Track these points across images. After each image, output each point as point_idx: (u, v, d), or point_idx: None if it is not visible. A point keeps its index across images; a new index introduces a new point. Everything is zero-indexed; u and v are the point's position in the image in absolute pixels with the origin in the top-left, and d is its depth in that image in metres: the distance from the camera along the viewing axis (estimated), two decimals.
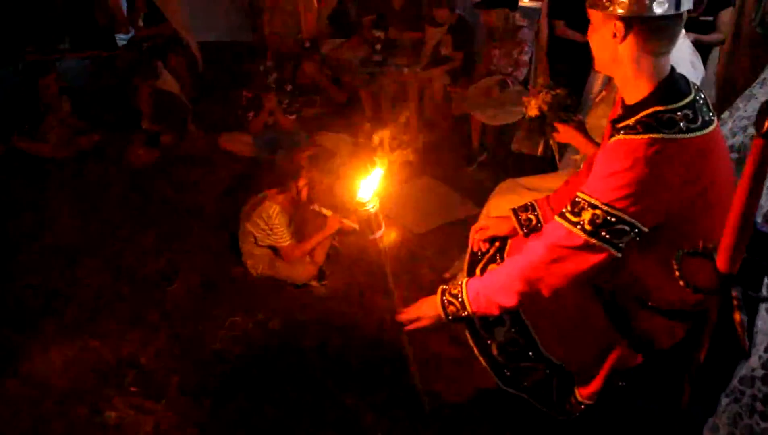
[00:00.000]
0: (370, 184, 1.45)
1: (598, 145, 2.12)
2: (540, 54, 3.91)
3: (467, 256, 2.16)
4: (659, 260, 1.47)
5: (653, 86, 1.40)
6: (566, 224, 1.43)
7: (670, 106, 1.35)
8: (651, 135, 1.32)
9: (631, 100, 1.45)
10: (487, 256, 2.03)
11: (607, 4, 1.35)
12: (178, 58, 4.62)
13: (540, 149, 2.58)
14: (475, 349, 1.74)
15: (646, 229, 1.37)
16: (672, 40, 1.38)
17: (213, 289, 2.80)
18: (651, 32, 1.34)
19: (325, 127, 4.50)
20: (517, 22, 3.84)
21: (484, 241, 2.03)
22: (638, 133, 1.35)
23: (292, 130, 4.29)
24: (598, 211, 1.37)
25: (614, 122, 1.52)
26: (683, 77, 1.45)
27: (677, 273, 1.24)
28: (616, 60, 1.42)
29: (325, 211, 2.80)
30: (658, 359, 1.64)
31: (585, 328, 1.66)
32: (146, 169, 3.96)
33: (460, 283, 1.63)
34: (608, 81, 2.25)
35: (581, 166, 2.36)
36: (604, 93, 2.19)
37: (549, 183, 2.50)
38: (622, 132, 1.39)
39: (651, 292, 1.56)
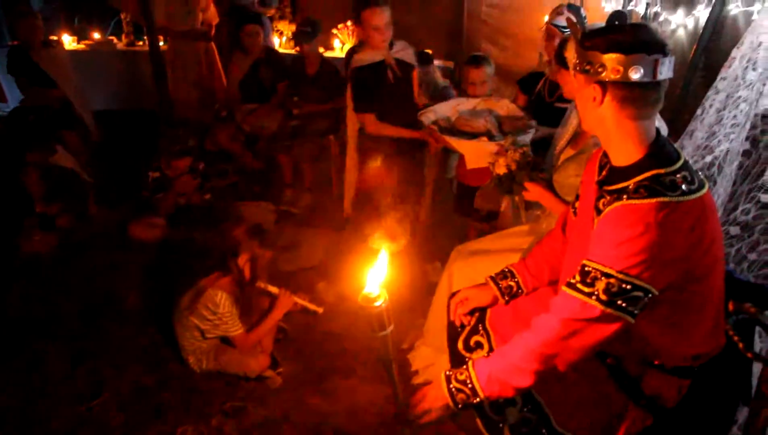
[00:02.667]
0: (377, 275, 1.31)
1: (567, 202, 2.15)
2: None
3: (446, 330, 2.07)
4: (663, 320, 1.47)
5: (645, 149, 1.42)
6: (580, 296, 1.39)
7: (669, 169, 1.37)
8: (658, 199, 1.33)
9: (620, 163, 1.47)
10: (468, 328, 1.95)
11: (588, 67, 1.37)
12: (70, 132, 4.19)
13: (503, 206, 2.58)
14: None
15: (657, 293, 1.36)
16: (653, 105, 1.40)
17: (149, 396, 2.42)
18: (627, 97, 1.36)
19: (242, 196, 4.28)
20: (438, 81, 3.94)
21: (466, 314, 1.94)
22: (644, 197, 1.35)
23: (206, 205, 4.03)
24: (612, 280, 1.34)
25: (603, 184, 1.53)
26: (667, 139, 1.50)
27: (736, 338, 1.38)
28: (599, 122, 1.44)
29: (272, 289, 2.57)
30: (666, 419, 1.63)
31: (595, 397, 1.60)
32: (44, 258, 3.46)
33: (465, 367, 1.52)
34: (572, 139, 2.31)
35: (543, 223, 2.38)
36: (570, 151, 2.23)
37: (505, 243, 2.49)
38: (625, 197, 1.38)
39: (656, 352, 1.54)
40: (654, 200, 1.33)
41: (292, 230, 3.88)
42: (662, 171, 1.37)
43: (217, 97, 4.82)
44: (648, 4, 4.02)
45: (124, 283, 3.21)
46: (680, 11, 3.38)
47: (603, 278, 1.35)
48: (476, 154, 2.68)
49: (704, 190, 1.38)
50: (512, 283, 1.90)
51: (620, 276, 1.33)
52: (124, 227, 3.73)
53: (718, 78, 2.33)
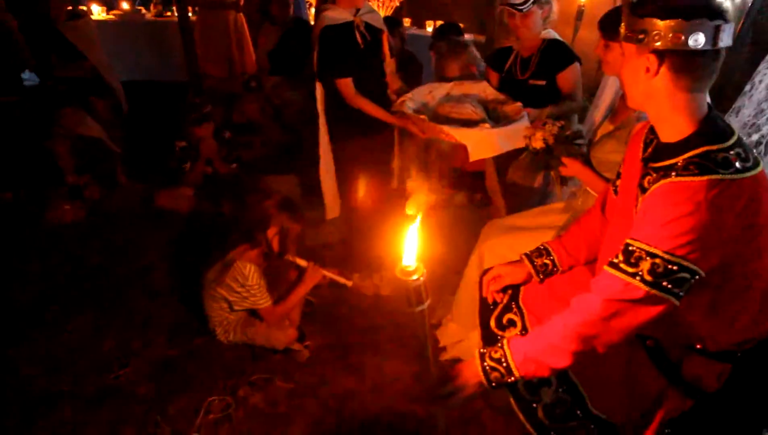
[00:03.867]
0: (413, 245, 1.26)
1: (606, 179, 2.07)
2: None
3: (478, 307, 2.03)
4: (706, 304, 1.40)
5: (696, 124, 1.34)
6: (622, 276, 1.33)
7: (723, 145, 1.29)
8: (710, 176, 1.25)
9: (669, 139, 1.39)
10: (501, 305, 1.91)
11: (641, 36, 1.28)
12: (101, 101, 4.21)
13: (538, 181, 2.50)
14: (520, 414, 1.59)
15: (704, 275, 1.30)
16: (710, 76, 1.32)
17: (176, 367, 2.43)
18: (685, 67, 1.28)
19: (269, 170, 4.26)
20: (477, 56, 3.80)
21: (498, 291, 1.90)
22: (694, 174, 1.27)
23: (233, 177, 4.02)
24: (658, 260, 1.28)
25: (648, 161, 1.46)
26: (719, 115, 1.41)
27: None
28: (649, 95, 1.36)
29: (300, 262, 2.55)
30: (705, 404, 1.57)
31: (633, 379, 1.55)
32: (72, 229, 3.48)
33: (500, 345, 1.48)
34: (608, 115, 2.22)
35: (578, 200, 2.31)
36: (609, 126, 2.14)
37: (539, 220, 2.43)
38: (673, 174, 1.31)
39: (698, 337, 1.48)
40: (705, 178, 1.25)
41: (319, 205, 3.85)
42: (714, 147, 1.29)
43: (246, 68, 4.78)
44: None
45: (152, 255, 3.22)
46: None
47: (648, 258, 1.29)
48: (481, 144, 2.49)
49: (759, 169, 1.30)
50: (547, 261, 1.84)
51: (666, 256, 1.26)
52: (152, 198, 3.76)
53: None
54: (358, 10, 2.59)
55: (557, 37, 2.86)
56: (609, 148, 2.09)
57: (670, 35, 1.24)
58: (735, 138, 1.32)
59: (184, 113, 3.92)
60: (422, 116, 2.53)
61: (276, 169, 4.27)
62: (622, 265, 1.33)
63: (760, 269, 1.40)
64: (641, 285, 1.29)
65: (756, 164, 1.29)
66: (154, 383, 2.35)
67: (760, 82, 2.21)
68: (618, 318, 1.34)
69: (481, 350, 1.50)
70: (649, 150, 1.49)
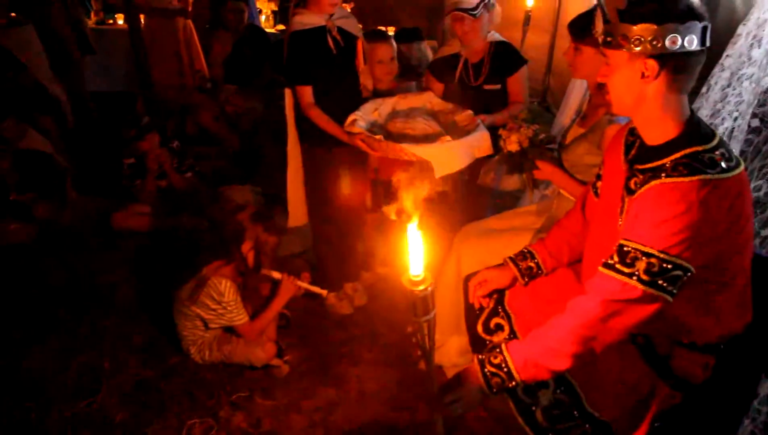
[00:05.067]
0: (419, 252, 1.24)
1: (580, 181, 2.12)
2: None
3: (464, 312, 2.04)
4: (693, 298, 1.46)
5: (681, 126, 1.40)
6: (619, 276, 1.37)
7: (708, 146, 1.35)
8: (699, 176, 1.31)
9: (654, 141, 1.44)
10: (487, 310, 1.92)
11: (636, 43, 1.32)
12: (45, 116, 3.98)
13: (511, 184, 2.53)
14: (519, 418, 1.60)
15: (694, 271, 1.35)
16: (696, 77, 1.39)
17: (152, 390, 2.32)
18: (683, 68, 1.34)
19: (227, 180, 4.14)
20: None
21: (485, 296, 1.91)
22: (684, 175, 1.32)
23: (191, 189, 3.88)
24: (653, 260, 1.32)
25: (634, 162, 1.50)
26: (700, 117, 1.47)
27: None
28: (642, 100, 1.40)
29: (275, 275, 2.48)
30: (693, 395, 1.63)
31: (625, 375, 1.59)
32: (25, 250, 3.28)
33: (499, 350, 1.49)
34: (576, 118, 2.27)
35: (554, 203, 2.35)
36: (579, 129, 2.20)
37: (514, 222, 2.46)
38: (663, 175, 1.36)
39: (687, 331, 1.54)
40: (695, 178, 1.31)
41: (282, 214, 3.78)
42: (700, 148, 1.35)
43: (196, 77, 4.65)
44: None
45: (115, 274, 3.07)
46: None
47: (643, 258, 1.33)
48: (445, 159, 2.39)
49: (741, 168, 1.36)
50: (532, 264, 1.88)
51: (661, 255, 1.31)
52: (107, 216, 3.58)
53: (724, 55, 2.33)
54: (332, 14, 2.51)
55: (502, 39, 2.86)
56: (581, 150, 2.15)
57: (668, 39, 1.28)
58: (717, 139, 1.38)
59: (125, 128, 3.77)
60: (378, 136, 2.41)
61: (234, 179, 4.17)
62: (618, 266, 1.37)
63: (741, 264, 1.47)
64: (638, 284, 1.33)
65: (738, 163, 1.36)
66: (130, 407, 2.24)
67: (715, 83, 2.32)
68: (616, 318, 1.38)
69: (480, 357, 1.51)
70: (633, 152, 1.54)
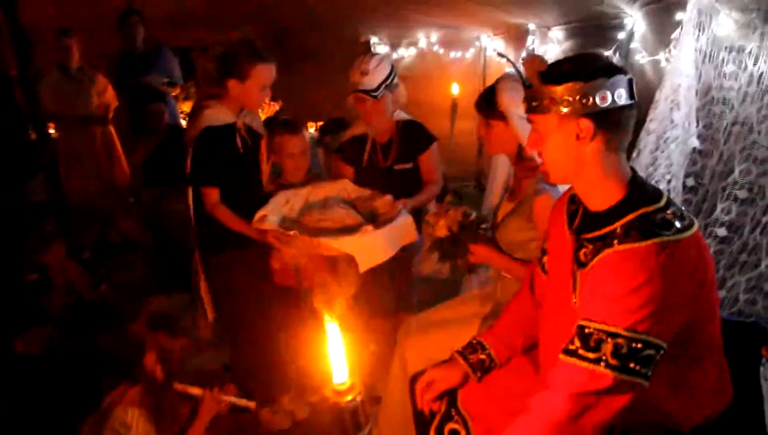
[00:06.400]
0: (340, 355, 1.00)
1: (520, 260, 1.98)
2: None
3: (412, 420, 1.77)
4: (669, 379, 1.28)
5: (624, 187, 1.28)
6: (584, 364, 1.17)
7: (658, 206, 1.23)
8: (654, 240, 1.17)
9: (599, 207, 1.31)
10: (439, 415, 1.67)
11: (565, 104, 1.22)
12: None
13: (444, 273, 2.34)
14: None
15: (666, 348, 1.17)
16: (630, 133, 1.30)
17: None
18: (617, 124, 1.25)
19: (152, 290, 3.79)
20: None
21: (434, 399, 1.66)
22: (637, 240, 1.18)
23: (108, 304, 3.51)
24: (620, 341, 1.15)
25: (580, 232, 1.36)
26: (641, 176, 1.36)
27: None
28: (581, 164, 1.28)
29: (193, 391, 2.13)
30: None
31: None
32: None
33: None
34: (504, 194, 2.17)
35: (497, 287, 2.18)
36: (508, 205, 2.08)
37: (458, 311, 2.26)
38: (616, 242, 1.21)
39: (667, 417, 1.34)
40: (650, 242, 1.17)
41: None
42: (650, 208, 1.22)
43: (117, 183, 4.41)
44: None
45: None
46: None
47: (609, 339, 1.15)
48: (368, 250, 2.24)
49: (695, 227, 1.24)
50: (483, 356, 1.66)
51: (629, 334, 1.14)
52: (7, 342, 3.13)
53: (648, 120, 2.33)
54: (241, 111, 2.38)
55: (410, 117, 2.77)
56: (514, 226, 2.02)
57: (598, 95, 1.19)
58: (666, 198, 1.26)
59: (27, 245, 3.41)
60: (291, 232, 2.22)
61: (161, 288, 3.83)
62: (580, 352, 1.18)
63: (713, 332, 1.31)
64: (607, 371, 1.14)
65: (692, 222, 1.24)
66: None
67: (644, 147, 2.30)
68: (588, 414, 1.17)
69: None
70: (577, 221, 1.40)
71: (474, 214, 2.09)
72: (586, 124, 1.22)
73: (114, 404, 1.96)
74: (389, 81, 2.54)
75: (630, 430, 1.35)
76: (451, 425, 1.63)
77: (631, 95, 1.22)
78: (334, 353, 0.97)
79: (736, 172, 2.01)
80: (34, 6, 3.83)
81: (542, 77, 1.25)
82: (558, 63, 1.28)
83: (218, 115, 2.31)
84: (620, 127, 1.25)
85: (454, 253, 2.08)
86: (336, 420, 0.99)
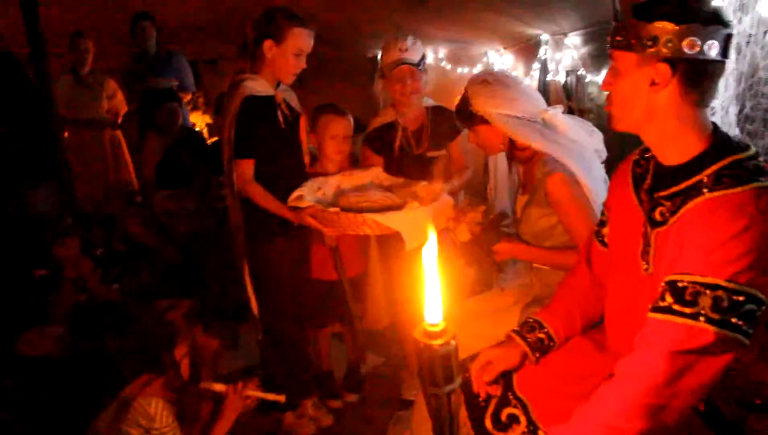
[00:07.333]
0: (436, 290, 0.86)
1: (557, 248, 1.90)
2: None
3: (462, 406, 1.65)
4: (760, 343, 1.18)
5: (707, 138, 1.20)
6: (680, 319, 1.08)
7: (748, 154, 1.15)
8: (751, 185, 1.08)
9: (675, 160, 1.22)
10: (495, 399, 1.55)
11: (648, 43, 1.13)
12: None
13: (493, 279, 2.23)
14: None
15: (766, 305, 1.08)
16: (714, 92, 1.21)
17: None
18: (697, 78, 1.15)
19: (161, 295, 3.66)
20: None
21: (491, 382, 1.54)
22: (731, 186, 1.10)
23: (116, 304, 3.38)
24: (720, 293, 1.05)
25: (653, 191, 1.27)
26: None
27: None
28: (651, 113, 1.20)
29: (217, 387, 1.99)
30: None
31: None
32: None
33: None
34: (517, 189, 2.11)
35: (533, 279, 2.08)
36: (523, 197, 2.00)
37: (497, 301, 2.17)
38: (705, 191, 1.13)
39: (756, 387, 1.24)
40: (747, 187, 1.09)
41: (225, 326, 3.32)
42: (742, 156, 1.14)
43: (124, 189, 4.33)
44: (567, 73, 4.20)
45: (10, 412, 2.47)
46: None
47: (708, 292, 1.06)
48: (417, 227, 2.10)
49: None
50: (541, 335, 1.55)
51: (730, 286, 1.05)
52: (12, 346, 2.98)
53: None
54: (278, 84, 2.30)
55: (437, 103, 2.70)
56: (535, 216, 1.94)
57: (686, 42, 1.10)
58: (753, 148, 1.18)
59: (43, 238, 3.30)
60: (333, 208, 2.12)
61: (170, 293, 3.70)
62: (675, 307, 1.08)
63: None
64: (708, 326, 1.05)
65: None
66: None
67: None
68: (689, 374, 1.07)
69: None
70: (648, 180, 1.31)
71: (495, 212, 2.02)
72: (664, 69, 1.14)
73: (135, 395, 1.83)
74: (425, 60, 2.51)
75: (714, 401, 1.26)
76: (509, 410, 1.52)
77: (724, 52, 1.13)
78: (430, 286, 0.85)
79: None
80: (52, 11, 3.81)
81: (635, 10, 1.16)
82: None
83: (257, 86, 2.21)
84: (701, 82, 1.16)
85: (480, 256, 1.99)
86: (427, 364, 0.86)
